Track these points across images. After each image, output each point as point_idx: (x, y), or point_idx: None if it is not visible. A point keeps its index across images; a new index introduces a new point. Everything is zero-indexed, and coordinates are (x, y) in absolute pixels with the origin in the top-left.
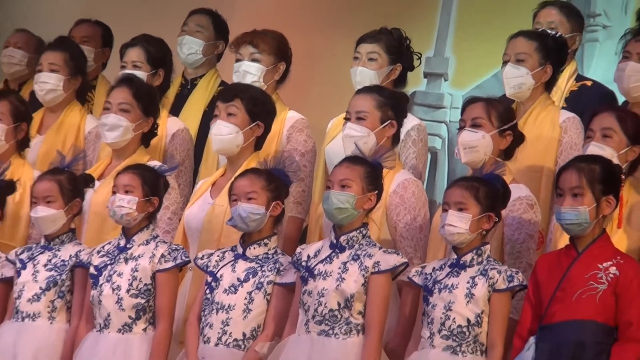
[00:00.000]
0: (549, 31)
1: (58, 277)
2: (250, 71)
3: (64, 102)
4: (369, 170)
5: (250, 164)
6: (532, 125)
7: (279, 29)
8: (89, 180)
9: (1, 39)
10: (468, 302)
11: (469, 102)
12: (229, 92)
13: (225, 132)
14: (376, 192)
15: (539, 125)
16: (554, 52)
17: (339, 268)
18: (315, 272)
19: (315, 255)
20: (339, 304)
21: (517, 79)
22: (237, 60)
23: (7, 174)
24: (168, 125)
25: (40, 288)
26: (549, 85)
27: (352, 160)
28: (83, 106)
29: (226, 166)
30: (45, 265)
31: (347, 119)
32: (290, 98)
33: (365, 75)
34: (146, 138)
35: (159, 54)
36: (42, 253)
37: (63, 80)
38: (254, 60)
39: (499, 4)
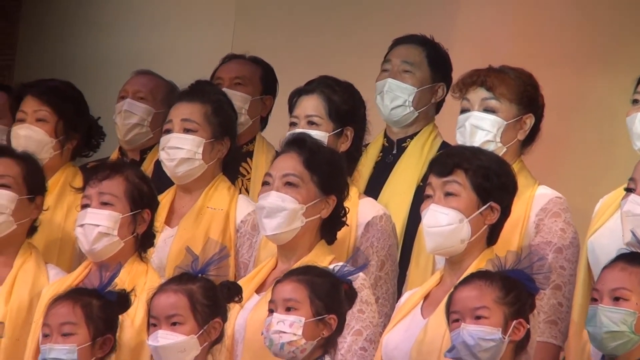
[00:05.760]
0: None
1: None
2: (482, 126)
3: (204, 177)
4: None
5: (479, 265)
6: None
7: (521, 65)
8: (234, 292)
9: (108, 84)
10: None
11: None
12: (445, 161)
13: (445, 222)
14: None
15: None
16: None
17: None
18: None
19: None
20: None
21: None
22: (463, 111)
23: (118, 282)
24: (360, 210)
25: None
26: None
27: (631, 259)
28: (233, 184)
29: (443, 270)
30: None
31: (629, 190)
32: (539, 167)
33: None
34: (329, 229)
35: (346, 106)
36: None
37: (203, 145)
38: (487, 110)
39: None
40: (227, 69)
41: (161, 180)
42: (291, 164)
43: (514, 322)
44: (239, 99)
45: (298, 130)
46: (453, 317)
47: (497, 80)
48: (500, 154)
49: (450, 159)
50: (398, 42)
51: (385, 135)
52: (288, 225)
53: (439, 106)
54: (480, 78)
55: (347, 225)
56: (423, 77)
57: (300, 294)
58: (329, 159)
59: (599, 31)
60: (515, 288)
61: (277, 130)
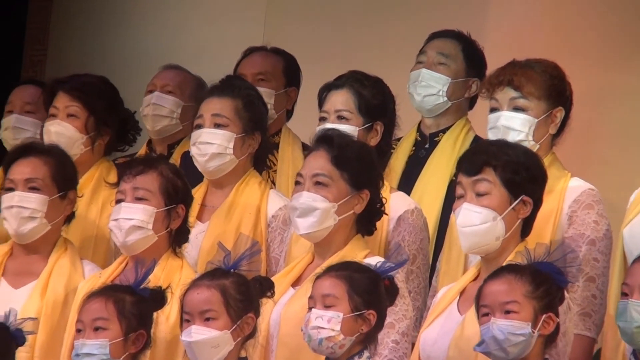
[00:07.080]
0: None
1: None
2: (513, 126)
3: (235, 172)
4: None
5: (514, 260)
6: None
7: (552, 59)
8: (266, 287)
9: (138, 79)
10: None
11: None
12: (473, 159)
13: (479, 221)
14: None
15: None
16: None
17: None
18: None
19: None
20: None
21: None
22: (493, 110)
23: (152, 279)
24: (392, 204)
25: None
26: None
27: None
28: (263, 177)
29: (479, 265)
30: None
31: None
32: (571, 159)
33: None
34: (366, 222)
35: (375, 100)
36: None
37: (234, 140)
38: (517, 109)
39: None
40: (249, 64)
41: (188, 174)
42: (320, 163)
43: (544, 316)
44: (264, 95)
45: (328, 125)
46: (482, 310)
47: (523, 78)
48: (534, 151)
49: (477, 157)
50: (435, 35)
51: (418, 130)
52: (320, 224)
53: (472, 102)
54: (507, 77)
55: (387, 215)
56: (458, 69)
57: (338, 290)
58: (358, 154)
59: (630, 23)
60: (545, 282)
61: (306, 120)
